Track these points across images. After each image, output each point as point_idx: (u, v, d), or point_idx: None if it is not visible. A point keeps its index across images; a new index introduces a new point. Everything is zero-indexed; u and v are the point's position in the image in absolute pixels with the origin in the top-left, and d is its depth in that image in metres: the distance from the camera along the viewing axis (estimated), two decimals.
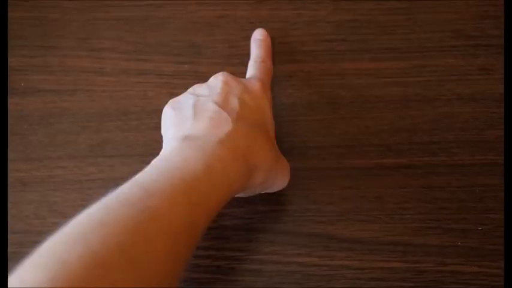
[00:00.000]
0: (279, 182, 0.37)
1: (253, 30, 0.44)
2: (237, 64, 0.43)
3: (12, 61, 0.44)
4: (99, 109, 0.43)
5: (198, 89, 0.35)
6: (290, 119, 0.42)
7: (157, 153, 0.41)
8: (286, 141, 0.41)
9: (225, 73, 0.36)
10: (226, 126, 0.32)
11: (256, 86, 0.36)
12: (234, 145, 0.31)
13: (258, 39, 0.42)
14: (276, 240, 0.40)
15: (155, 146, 0.42)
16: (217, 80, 0.35)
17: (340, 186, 0.40)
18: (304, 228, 0.40)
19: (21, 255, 0.40)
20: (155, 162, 0.31)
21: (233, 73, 0.42)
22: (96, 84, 0.43)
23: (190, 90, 0.36)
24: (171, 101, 0.35)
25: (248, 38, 0.43)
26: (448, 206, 0.40)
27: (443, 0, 0.43)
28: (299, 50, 0.43)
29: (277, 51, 0.43)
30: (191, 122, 0.32)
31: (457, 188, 0.40)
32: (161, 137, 0.42)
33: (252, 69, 0.40)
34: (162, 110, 0.42)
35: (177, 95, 0.42)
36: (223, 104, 0.33)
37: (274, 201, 0.40)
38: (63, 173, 0.41)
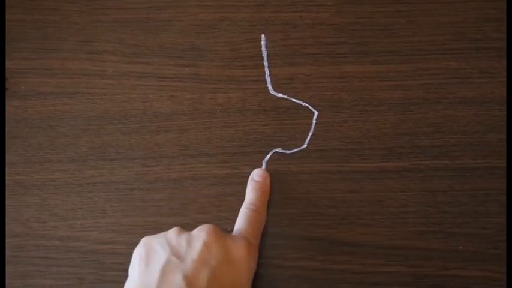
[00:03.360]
0: None
1: (254, 32, 0.43)
2: (238, 67, 0.43)
3: (12, 64, 0.43)
4: (100, 112, 0.43)
5: (177, 238, 0.33)
6: (291, 121, 0.42)
7: (158, 157, 0.41)
8: (287, 144, 0.41)
9: (210, 230, 0.33)
10: None
11: (240, 252, 0.33)
12: None
13: (255, 181, 0.40)
14: (276, 243, 0.39)
15: (156, 149, 0.42)
16: (199, 238, 0.32)
17: (342, 190, 0.40)
18: (306, 232, 0.40)
19: (22, 258, 0.40)
20: None
21: (235, 76, 0.43)
22: (96, 87, 0.43)
23: (170, 234, 0.33)
24: (145, 241, 0.33)
25: (249, 41, 0.43)
26: (450, 209, 0.39)
27: (444, 3, 0.43)
28: (300, 52, 0.43)
29: (278, 54, 0.43)
30: None
31: (459, 192, 0.40)
32: (162, 140, 0.42)
33: (242, 220, 0.37)
34: (163, 113, 0.42)
35: (177, 98, 0.42)
36: (192, 279, 0.30)
37: (275, 205, 0.40)
38: (63, 176, 0.41)
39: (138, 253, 0.33)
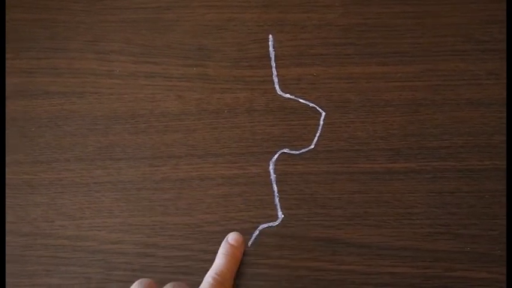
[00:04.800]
0: None
1: (262, 33, 0.43)
2: (245, 67, 0.43)
3: (20, 63, 0.43)
4: (107, 112, 0.43)
5: None
6: (299, 122, 0.42)
7: (165, 156, 0.41)
8: (295, 145, 0.41)
9: None
10: None
11: None
12: None
13: (228, 245, 0.38)
14: (283, 244, 0.39)
15: (163, 149, 0.42)
16: None
17: (349, 191, 0.40)
18: (313, 233, 0.40)
19: (29, 258, 0.40)
20: None
21: (242, 76, 0.43)
22: (104, 87, 0.43)
23: None
24: None
25: (257, 41, 0.43)
26: (457, 211, 0.39)
27: (452, 4, 0.43)
28: (307, 53, 0.43)
29: (285, 55, 0.43)
30: None
31: (466, 193, 0.40)
32: (169, 140, 0.42)
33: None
34: (170, 113, 0.42)
35: (185, 98, 0.42)
36: None
37: (282, 206, 0.40)
38: (71, 176, 0.41)
39: None
